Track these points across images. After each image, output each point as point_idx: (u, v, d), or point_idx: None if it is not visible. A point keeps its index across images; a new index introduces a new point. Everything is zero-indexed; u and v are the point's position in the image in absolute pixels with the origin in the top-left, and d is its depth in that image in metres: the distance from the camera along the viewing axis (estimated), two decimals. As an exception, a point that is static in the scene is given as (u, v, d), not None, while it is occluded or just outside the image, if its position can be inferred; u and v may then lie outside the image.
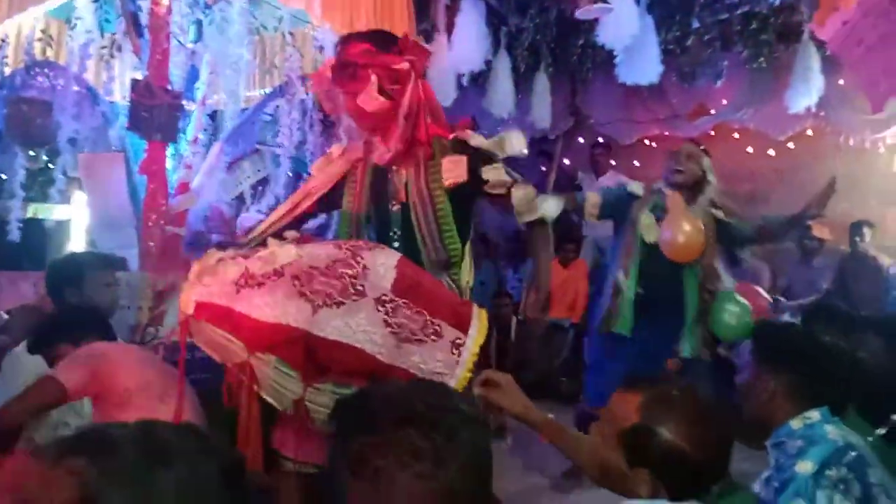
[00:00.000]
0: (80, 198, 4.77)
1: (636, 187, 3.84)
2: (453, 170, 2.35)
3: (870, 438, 1.84)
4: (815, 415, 1.74)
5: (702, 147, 3.99)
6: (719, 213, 3.71)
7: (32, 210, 5.70)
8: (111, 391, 2.28)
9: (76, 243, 5.08)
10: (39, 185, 6.02)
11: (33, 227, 4.97)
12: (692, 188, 3.72)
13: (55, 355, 2.43)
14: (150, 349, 3.09)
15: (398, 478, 0.94)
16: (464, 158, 2.35)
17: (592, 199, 3.82)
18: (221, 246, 2.17)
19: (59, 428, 2.54)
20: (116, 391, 2.27)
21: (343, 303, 1.85)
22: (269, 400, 1.91)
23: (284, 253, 1.95)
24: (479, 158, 2.38)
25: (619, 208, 3.79)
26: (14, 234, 3.78)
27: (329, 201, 2.51)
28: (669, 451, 1.32)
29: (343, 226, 2.46)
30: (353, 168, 2.46)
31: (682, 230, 3.51)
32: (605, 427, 1.45)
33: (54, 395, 2.17)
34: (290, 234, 2.17)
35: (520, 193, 2.44)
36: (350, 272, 1.91)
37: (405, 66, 2.28)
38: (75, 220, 5.14)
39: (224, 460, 0.90)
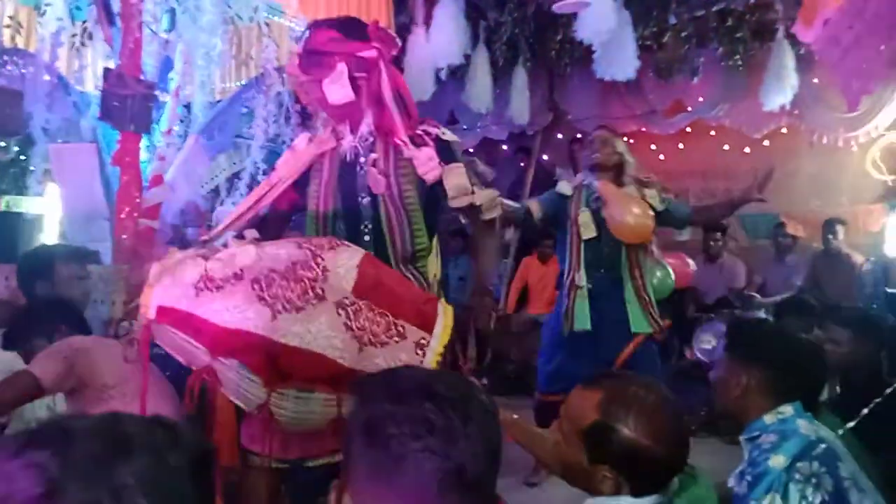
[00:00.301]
0: (53, 190, 4.69)
1: (564, 187, 3.90)
2: (428, 164, 2.32)
3: (840, 432, 1.86)
4: (788, 409, 1.76)
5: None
6: (651, 193, 3.75)
7: (5, 203, 5.61)
8: (88, 386, 2.26)
9: (49, 236, 4.99)
10: (12, 177, 5.92)
11: (5, 219, 4.88)
12: (614, 171, 3.75)
13: (31, 350, 2.40)
14: (124, 344, 3.05)
15: (409, 448, 0.96)
16: (434, 153, 2.32)
17: (534, 208, 3.88)
18: (183, 245, 2.13)
19: (31, 424, 2.50)
20: (93, 386, 2.25)
21: (303, 308, 1.81)
22: (236, 401, 1.88)
23: (244, 253, 1.91)
24: (448, 155, 2.36)
25: (557, 212, 3.87)
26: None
27: (295, 195, 2.44)
28: (629, 447, 1.33)
29: (309, 223, 2.41)
30: (319, 158, 2.41)
31: (630, 212, 3.59)
32: (565, 424, 1.46)
33: (29, 389, 2.15)
34: (250, 233, 2.11)
35: (485, 194, 2.42)
36: (309, 275, 1.87)
37: (372, 53, 2.24)
38: (49, 213, 5.05)
39: (192, 452, 0.88)
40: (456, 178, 2.33)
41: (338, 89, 2.21)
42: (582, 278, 3.70)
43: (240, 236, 2.12)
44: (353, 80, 2.22)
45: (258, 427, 2.01)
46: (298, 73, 2.28)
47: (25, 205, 5.63)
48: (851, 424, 1.72)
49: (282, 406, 1.82)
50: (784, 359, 1.84)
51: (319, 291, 1.84)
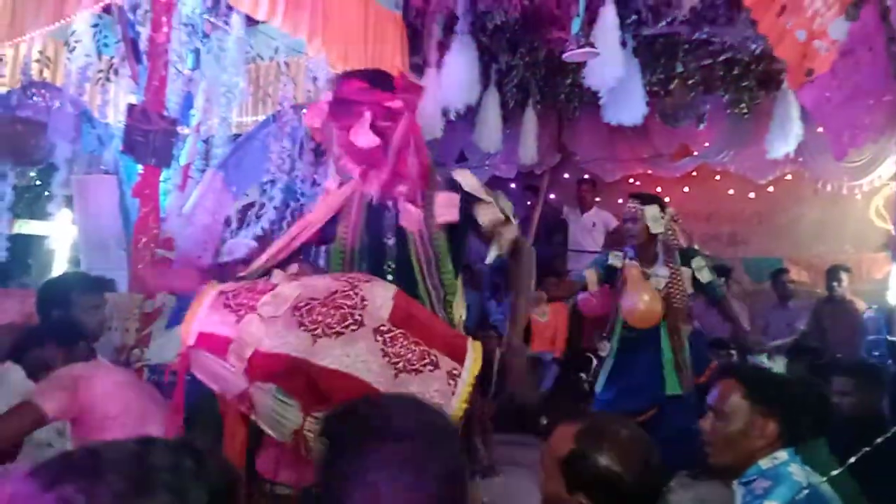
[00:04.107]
0: (65, 215, 4.79)
1: (614, 259, 4.07)
2: (446, 208, 2.40)
3: (833, 474, 1.90)
4: (782, 454, 1.81)
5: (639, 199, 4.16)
6: (699, 265, 3.93)
7: (18, 226, 5.70)
8: (90, 415, 2.27)
9: (61, 260, 5.08)
10: (27, 202, 6.03)
11: (19, 243, 4.97)
12: (646, 244, 3.93)
13: (35, 372, 2.45)
14: (133, 371, 3.10)
15: (386, 490, 1.03)
16: (456, 197, 2.41)
17: (591, 277, 4.08)
18: (222, 278, 2.19)
19: (42, 448, 2.54)
20: (95, 415, 2.27)
21: (342, 333, 1.87)
22: (268, 430, 1.91)
23: (289, 290, 1.98)
24: (469, 198, 2.44)
25: (608, 278, 4.09)
26: (1, 254, 3.79)
27: (327, 233, 2.54)
28: (604, 475, 1.41)
29: (335, 261, 2.49)
30: (349, 200, 2.51)
31: (641, 299, 3.79)
32: (546, 457, 1.54)
33: (33, 420, 2.17)
34: (292, 268, 2.20)
35: (510, 228, 2.50)
36: (349, 303, 1.93)
37: (399, 104, 2.35)
38: (60, 238, 5.14)
39: (216, 483, 0.92)
40: (490, 214, 2.43)
41: (363, 135, 2.31)
42: (609, 347, 4.00)
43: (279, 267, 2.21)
44: (378, 128, 2.33)
45: (270, 453, 2.04)
46: (327, 118, 2.38)
47: (35, 228, 5.75)
48: (838, 471, 1.76)
49: (316, 432, 1.85)
50: (803, 407, 1.89)
51: (358, 318, 1.90)
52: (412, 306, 2.10)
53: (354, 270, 2.42)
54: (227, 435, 2.00)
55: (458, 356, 1.96)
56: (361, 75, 2.45)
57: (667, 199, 7.55)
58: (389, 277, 2.39)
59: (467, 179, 2.46)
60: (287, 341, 1.86)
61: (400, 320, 1.95)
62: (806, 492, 1.67)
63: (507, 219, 2.47)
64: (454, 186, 2.43)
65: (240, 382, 1.89)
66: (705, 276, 3.94)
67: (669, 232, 3.96)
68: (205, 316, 1.95)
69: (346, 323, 1.89)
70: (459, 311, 2.48)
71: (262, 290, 2.01)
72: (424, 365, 1.88)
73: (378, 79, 2.41)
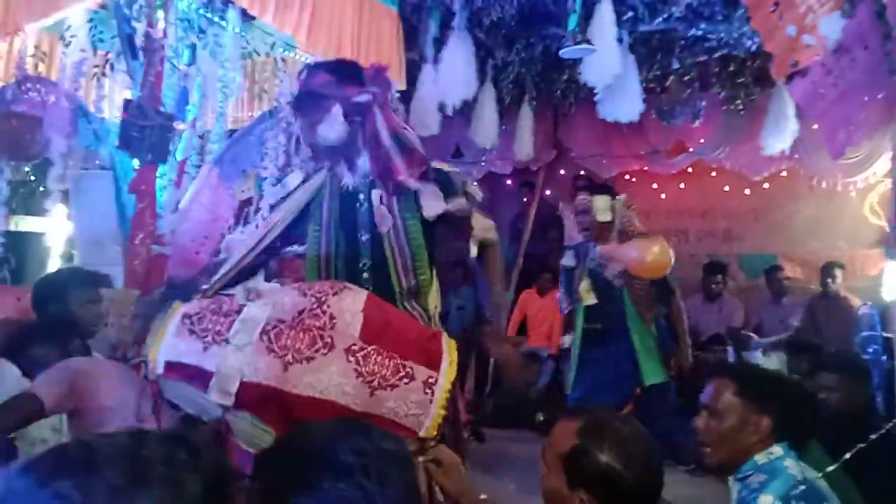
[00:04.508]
0: (60, 211, 4.77)
1: (568, 258, 4.24)
2: (433, 199, 2.38)
3: (828, 470, 1.91)
4: (777, 450, 1.82)
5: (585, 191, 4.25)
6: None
7: (14, 222, 5.68)
8: (88, 407, 2.27)
9: (55, 256, 5.06)
10: (21, 197, 6.00)
11: (14, 239, 4.95)
12: (602, 234, 4.03)
13: (29, 367, 2.44)
14: (131, 367, 3.10)
15: None
16: (438, 190, 2.39)
17: (584, 286, 4.12)
18: (185, 297, 2.13)
19: (36, 444, 2.53)
20: (93, 409, 2.26)
21: (313, 358, 1.82)
22: (249, 449, 1.85)
23: (258, 312, 1.91)
24: (448, 186, 2.43)
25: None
26: (-3, 251, 3.78)
27: (294, 233, 2.49)
28: (605, 472, 1.42)
29: (310, 267, 2.45)
30: (318, 197, 2.47)
31: (650, 251, 3.83)
32: (548, 453, 1.54)
33: (31, 411, 2.15)
34: (258, 285, 2.11)
35: (483, 223, 2.50)
36: (317, 324, 1.87)
37: (366, 97, 2.31)
38: (54, 233, 5.12)
39: (209, 476, 0.92)
40: (482, 220, 2.45)
41: (331, 131, 2.29)
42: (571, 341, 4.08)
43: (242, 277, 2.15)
44: (348, 122, 2.30)
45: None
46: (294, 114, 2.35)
47: (31, 224, 5.72)
48: (833, 467, 1.78)
49: None
50: (795, 403, 1.91)
51: (328, 340, 1.85)
52: (384, 313, 2.04)
53: (330, 272, 2.39)
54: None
55: (434, 362, 1.91)
56: (327, 68, 2.41)
57: (662, 196, 7.67)
58: (365, 275, 2.36)
59: (446, 167, 2.46)
60: (258, 368, 1.80)
61: (371, 335, 1.90)
62: (802, 486, 1.69)
63: (470, 199, 2.45)
64: (433, 177, 2.41)
65: (215, 410, 1.84)
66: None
67: (625, 219, 3.99)
68: (170, 345, 1.88)
69: (317, 346, 1.84)
70: (434, 303, 2.46)
71: (227, 311, 1.93)
72: (400, 378, 1.84)
73: (346, 72, 2.37)
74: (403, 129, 2.44)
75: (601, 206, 3.99)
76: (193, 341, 1.87)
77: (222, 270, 2.36)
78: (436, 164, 2.48)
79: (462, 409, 2.40)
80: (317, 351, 1.83)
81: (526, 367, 6.22)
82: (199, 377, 1.83)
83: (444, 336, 2.07)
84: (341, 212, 2.43)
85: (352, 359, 1.83)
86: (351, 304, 1.96)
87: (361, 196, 2.41)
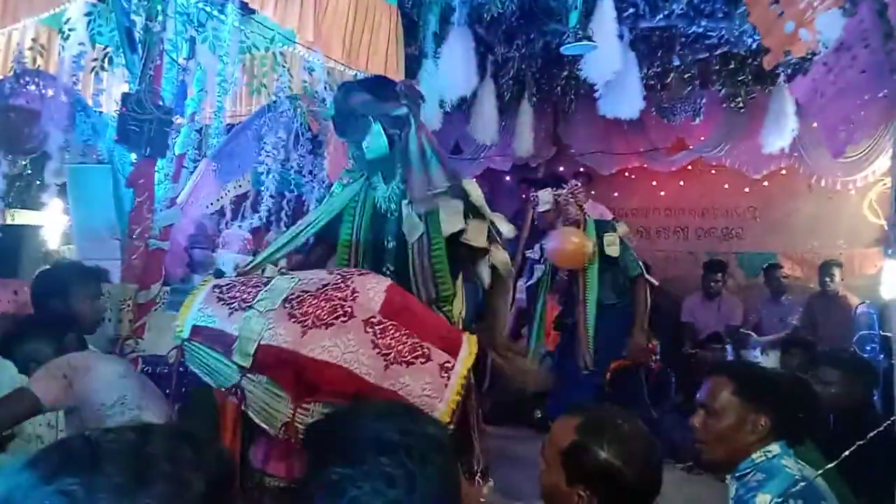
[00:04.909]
0: (56, 204, 4.76)
1: (532, 251, 4.37)
2: (451, 221, 2.43)
3: (815, 475, 1.91)
4: (775, 448, 1.82)
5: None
6: (610, 239, 4.03)
7: (10, 216, 5.67)
8: (86, 404, 2.26)
9: (51, 250, 5.05)
10: (17, 191, 5.99)
11: (10, 232, 4.94)
12: (553, 224, 4.12)
13: (26, 363, 2.44)
14: (128, 361, 3.09)
15: None
16: (460, 208, 2.44)
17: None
18: (219, 273, 2.22)
19: (32, 441, 2.52)
20: (91, 405, 2.25)
21: (332, 324, 1.88)
22: (259, 422, 1.93)
23: (283, 283, 2.00)
24: (470, 207, 2.47)
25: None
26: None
27: (328, 232, 2.58)
28: (604, 468, 1.43)
29: (341, 255, 2.54)
30: (354, 202, 2.57)
31: (569, 240, 3.94)
32: (548, 448, 1.55)
33: (29, 407, 2.15)
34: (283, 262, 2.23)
35: (500, 257, 2.53)
36: (339, 295, 1.94)
37: (404, 111, 2.38)
38: (51, 227, 5.11)
39: (213, 472, 0.92)
40: (480, 234, 2.48)
41: (376, 147, 2.37)
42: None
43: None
44: (387, 135, 2.38)
45: (275, 448, 2.05)
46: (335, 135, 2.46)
47: (27, 217, 5.71)
48: (832, 465, 1.77)
49: (306, 423, 1.86)
50: (793, 402, 1.91)
51: (348, 309, 1.91)
52: (407, 299, 2.11)
53: (356, 266, 2.46)
54: (223, 426, 2.01)
55: (453, 349, 1.95)
56: (364, 86, 2.51)
57: (662, 193, 7.67)
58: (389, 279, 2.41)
59: (476, 192, 2.49)
60: (276, 333, 1.87)
61: (392, 312, 1.95)
62: (801, 484, 1.68)
63: (496, 242, 2.51)
64: (461, 195, 2.45)
65: (232, 375, 1.90)
66: (614, 251, 3.97)
67: (566, 208, 4.04)
68: (198, 309, 1.97)
69: (336, 314, 1.90)
70: (458, 309, 2.50)
71: (256, 283, 2.02)
72: (416, 357, 1.88)
73: (381, 88, 2.48)
74: (432, 138, 2.50)
75: (543, 198, 4.08)
76: (220, 307, 1.95)
77: (259, 258, 2.48)
78: (467, 183, 2.53)
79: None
80: (336, 318, 1.89)
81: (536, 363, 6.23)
82: (222, 340, 1.91)
83: (466, 333, 2.13)
84: (373, 219, 2.53)
85: (370, 330, 1.88)
86: (375, 283, 2.05)
87: (393, 205, 2.50)
